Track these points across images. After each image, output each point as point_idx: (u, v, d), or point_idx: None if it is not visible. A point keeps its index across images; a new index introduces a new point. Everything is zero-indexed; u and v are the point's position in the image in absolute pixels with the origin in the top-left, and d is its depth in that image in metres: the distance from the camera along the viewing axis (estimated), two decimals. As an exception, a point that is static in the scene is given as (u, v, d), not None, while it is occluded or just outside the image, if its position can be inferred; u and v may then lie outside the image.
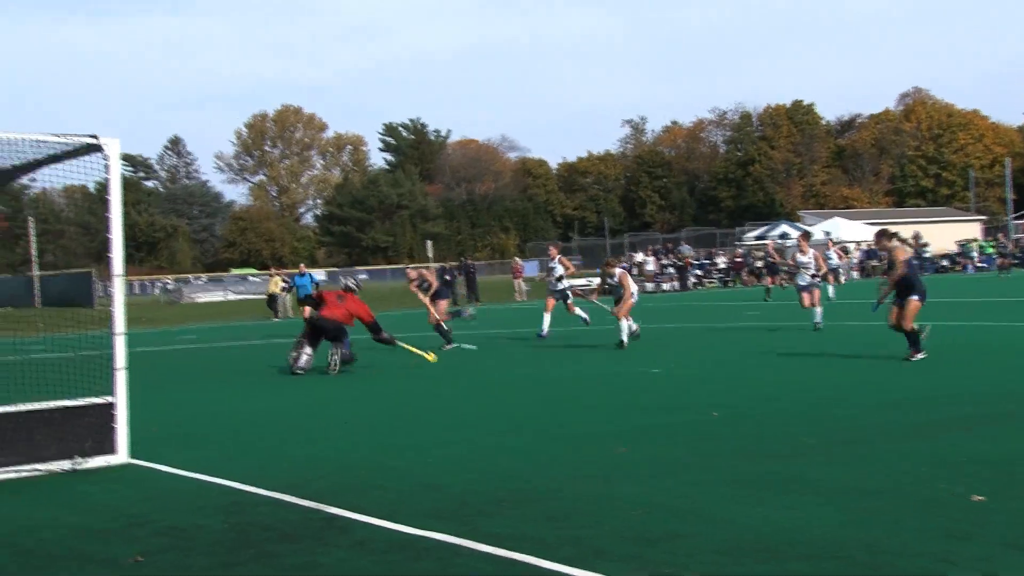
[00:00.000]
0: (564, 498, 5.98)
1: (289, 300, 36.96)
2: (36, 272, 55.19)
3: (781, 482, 6.17)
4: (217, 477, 7.04)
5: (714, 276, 47.81)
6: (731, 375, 11.95)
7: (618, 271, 15.68)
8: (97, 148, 7.77)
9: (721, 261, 49.29)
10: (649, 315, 26.32)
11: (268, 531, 5.55)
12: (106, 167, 7.75)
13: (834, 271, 26.80)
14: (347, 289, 15.00)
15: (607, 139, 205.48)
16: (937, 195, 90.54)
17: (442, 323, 17.31)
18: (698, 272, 47.08)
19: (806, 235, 20.37)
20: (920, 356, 12.01)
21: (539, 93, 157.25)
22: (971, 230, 61.70)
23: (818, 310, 17.55)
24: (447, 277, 40.81)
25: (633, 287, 15.60)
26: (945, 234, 55.58)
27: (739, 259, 48.52)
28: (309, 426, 9.49)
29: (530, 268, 65.14)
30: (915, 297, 12.18)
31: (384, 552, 5.04)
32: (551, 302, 18.80)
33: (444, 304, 17.92)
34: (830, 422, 8.29)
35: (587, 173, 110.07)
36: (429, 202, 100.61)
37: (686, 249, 49.69)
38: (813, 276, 17.77)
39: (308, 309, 14.48)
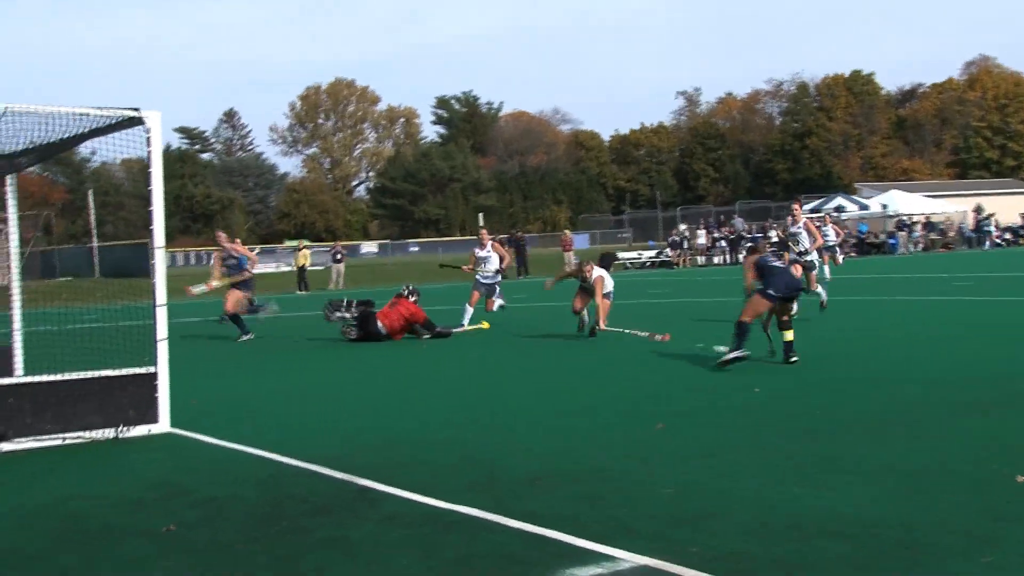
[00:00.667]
0: (603, 478, 5.92)
1: (343, 269, 37.28)
2: (96, 243, 56.26)
3: (820, 461, 6.07)
4: (258, 448, 7.10)
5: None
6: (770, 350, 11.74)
7: (595, 275, 13.87)
8: (139, 121, 7.81)
9: (774, 234, 48.64)
10: (692, 288, 26.05)
11: (303, 503, 5.58)
12: (148, 140, 7.78)
13: (830, 249, 24.78)
14: (399, 295, 15.23)
15: (661, 111, 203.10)
16: (1002, 167, 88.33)
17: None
18: (750, 245, 46.49)
19: (798, 200, 18.30)
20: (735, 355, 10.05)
21: (592, 65, 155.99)
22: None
23: (819, 288, 15.48)
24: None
25: (608, 286, 13.81)
26: (1011, 206, 54.19)
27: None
28: (352, 400, 9.54)
29: (580, 241, 64.92)
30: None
31: (413, 526, 5.03)
32: (476, 296, 16.22)
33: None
34: (875, 400, 8.11)
35: (640, 145, 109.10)
36: (481, 175, 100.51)
37: (738, 223, 49.10)
38: (802, 253, 15.54)
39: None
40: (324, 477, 6.19)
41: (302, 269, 35.58)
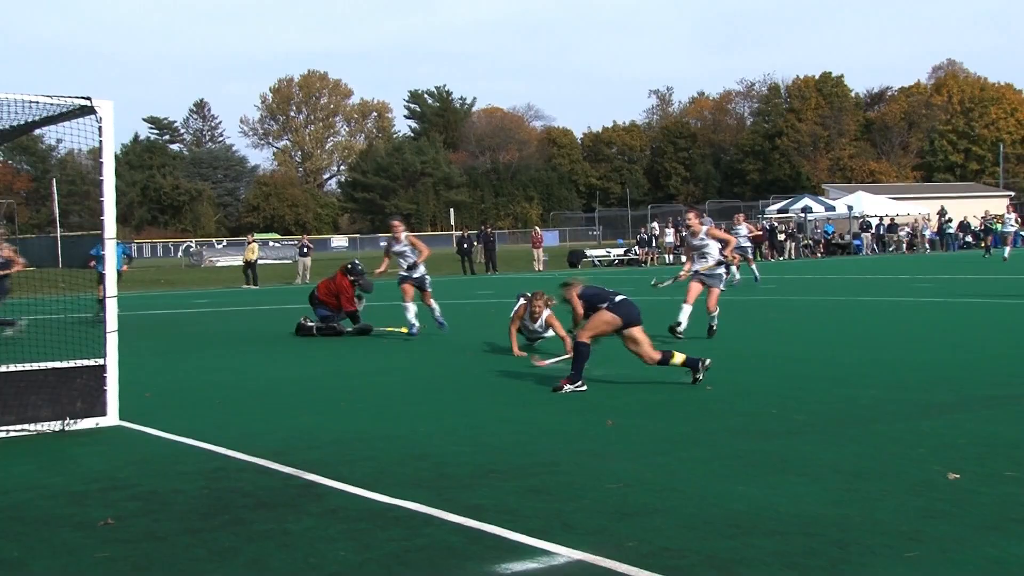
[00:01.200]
0: (554, 472, 5.94)
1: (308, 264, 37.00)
2: (59, 233, 55.64)
3: (769, 460, 6.10)
4: (206, 443, 7.05)
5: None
6: (733, 349, 11.82)
7: (547, 313, 11.91)
8: (91, 110, 7.73)
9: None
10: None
11: (246, 497, 5.55)
12: (99, 129, 7.70)
13: (742, 249, 23.21)
14: (341, 269, 15.79)
15: (633, 109, 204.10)
16: (966, 170, 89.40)
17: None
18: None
19: (693, 210, 14.94)
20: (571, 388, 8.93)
21: (566, 62, 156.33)
22: (999, 206, 60.87)
23: (714, 313, 13.02)
24: (464, 245, 41.01)
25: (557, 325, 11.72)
26: (972, 209, 54.91)
27: (760, 232, 48.10)
28: (308, 396, 9.48)
29: (550, 238, 64.95)
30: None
31: (354, 520, 5.02)
32: (408, 289, 14.11)
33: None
34: (829, 400, 8.18)
35: (612, 144, 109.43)
36: (453, 170, 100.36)
37: (707, 221, 49.32)
38: (717, 264, 13.07)
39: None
40: (269, 471, 6.16)
41: (250, 264, 34.82)
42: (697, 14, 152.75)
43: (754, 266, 25.55)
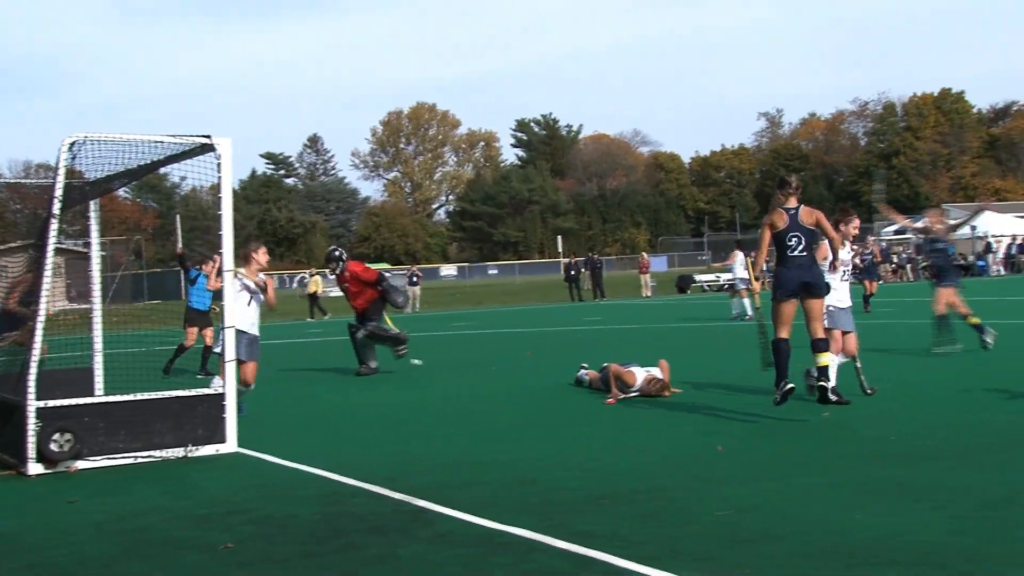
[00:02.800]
0: (664, 497, 5.90)
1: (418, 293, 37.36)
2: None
3: (895, 486, 5.91)
4: (319, 468, 7.21)
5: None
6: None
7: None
8: (211, 148, 8.06)
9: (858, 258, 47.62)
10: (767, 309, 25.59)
11: (359, 522, 5.65)
12: (218, 166, 8.02)
13: (743, 281, 20.73)
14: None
15: (742, 132, 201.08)
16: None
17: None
18: None
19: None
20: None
21: (672, 86, 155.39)
22: None
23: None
24: (572, 272, 41.03)
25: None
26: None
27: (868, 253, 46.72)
28: (416, 421, 9.61)
29: (658, 263, 64.47)
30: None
31: (462, 546, 5.06)
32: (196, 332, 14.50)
33: None
34: (957, 426, 7.88)
35: (720, 167, 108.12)
36: (560, 197, 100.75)
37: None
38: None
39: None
40: (381, 497, 6.26)
41: (313, 296, 34.36)
42: (807, 33, 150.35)
43: (747, 301, 22.11)
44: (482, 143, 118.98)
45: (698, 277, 48.08)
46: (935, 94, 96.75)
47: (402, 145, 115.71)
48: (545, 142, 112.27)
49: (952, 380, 10.50)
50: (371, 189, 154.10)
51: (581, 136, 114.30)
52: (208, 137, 7.97)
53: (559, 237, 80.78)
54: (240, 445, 8.06)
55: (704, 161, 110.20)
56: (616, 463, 7.00)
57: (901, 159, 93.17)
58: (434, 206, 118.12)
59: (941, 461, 6.62)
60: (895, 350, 14.03)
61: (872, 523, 5.13)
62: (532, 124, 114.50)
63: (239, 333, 8.62)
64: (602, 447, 7.70)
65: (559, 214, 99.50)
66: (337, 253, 14.54)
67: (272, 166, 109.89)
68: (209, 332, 14.58)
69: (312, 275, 36.33)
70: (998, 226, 51.95)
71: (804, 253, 8.49)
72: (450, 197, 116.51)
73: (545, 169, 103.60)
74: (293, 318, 33.80)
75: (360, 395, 11.92)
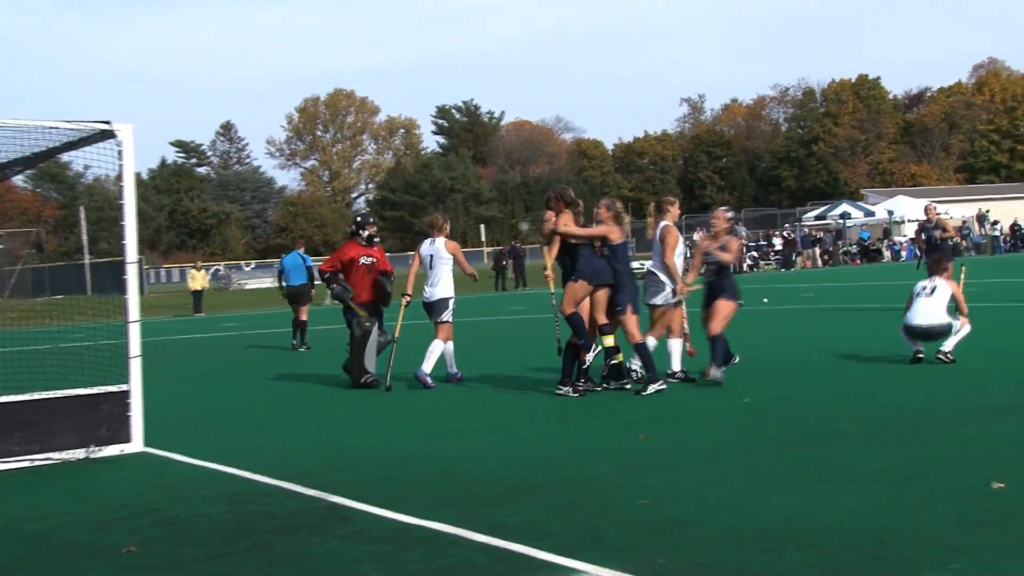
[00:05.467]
0: (587, 487, 5.83)
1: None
2: (87, 260, 56.08)
3: (807, 469, 5.94)
4: (231, 467, 6.96)
5: (771, 258, 47.06)
6: (767, 360, 11.61)
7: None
8: (111, 134, 7.71)
9: (778, 242, 48.45)
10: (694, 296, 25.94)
11: (270, 521, 5.45)
12: (119, 153, 7.67)
13: None
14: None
15: (665, 119, 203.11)
16: (1012, 171, 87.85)
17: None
18: (754, 254, 46.38)
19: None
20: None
21: (594, 72, 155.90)
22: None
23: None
24: (503, 262, 40.88)
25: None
26: (1021, 211, 53.85)
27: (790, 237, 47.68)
28: (333, 414, 9.41)
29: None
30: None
31: (377, 542, 4.91)
32: None
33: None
34: (872, 407, 7.97)
35: (644, 154, 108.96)
36: (482, 185, 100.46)
37: (741, 230, 48.95)
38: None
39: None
40: (294, 494, 6.06)
41: (197, 292, 32.91)
42: (727, 20, 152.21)
43: None
44: (402, 130, 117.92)
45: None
46: (853, 80, 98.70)
47: (319, 132, 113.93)
48: (467, 129, 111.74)
49: (865, 363, 10.65)
50: (287, 178, 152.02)
51: (503, 123, 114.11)
52: (108, 123, 7.60)
53: (482, 226, 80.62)
54: (147, 444, 7.73)
55: (627, 148, 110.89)
56: (539, 453, 6.90)
57: (821, 145, 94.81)
58: (353, 195, 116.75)
59: (849, 441, 6.67)
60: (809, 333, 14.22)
61: (788, 506, 5.12)
62: (453, 111, 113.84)
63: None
64: (526, 438, 7.60)
65: (482, 202, 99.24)
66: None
67: (183, 154, 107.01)
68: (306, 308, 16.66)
69: (198, 267, 34.92)
70: (914, 211, 53.28)
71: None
72: (370, 186, 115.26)
73: (467, 157, 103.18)
74: (208, 312, 33.02)
75: (268, 392, 11.54)
